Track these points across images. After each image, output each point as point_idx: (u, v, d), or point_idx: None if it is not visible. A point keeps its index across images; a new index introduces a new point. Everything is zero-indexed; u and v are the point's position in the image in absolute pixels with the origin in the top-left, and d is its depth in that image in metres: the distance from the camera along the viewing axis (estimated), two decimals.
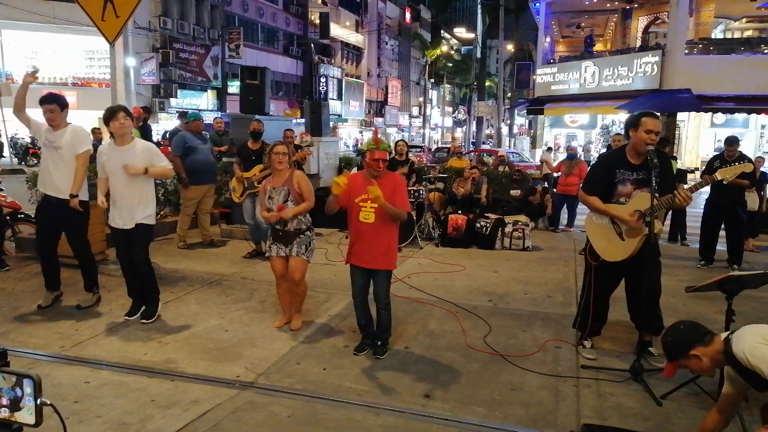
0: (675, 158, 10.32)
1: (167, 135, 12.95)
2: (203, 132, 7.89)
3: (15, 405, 1.59)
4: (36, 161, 20.35)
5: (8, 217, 6.95)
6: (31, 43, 23.09)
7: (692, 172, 11.23)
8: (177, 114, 15.50)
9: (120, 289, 5.67)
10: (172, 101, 25.15)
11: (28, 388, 1.57)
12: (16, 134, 21.88)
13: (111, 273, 6.15)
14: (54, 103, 4.76)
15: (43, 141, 4.88)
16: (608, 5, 22.34)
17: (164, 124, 23.88)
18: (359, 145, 34.38)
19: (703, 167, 8.84)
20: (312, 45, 36.94)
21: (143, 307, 4.90)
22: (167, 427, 3.19)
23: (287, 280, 4.71)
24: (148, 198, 4.79)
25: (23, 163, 19.97)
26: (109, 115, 4.59)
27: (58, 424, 1.79)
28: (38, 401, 1.57)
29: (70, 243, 5.09)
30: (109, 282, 5.80)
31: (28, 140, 21.44)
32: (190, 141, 7.42)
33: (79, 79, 24.04)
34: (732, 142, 6.97)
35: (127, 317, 4.85)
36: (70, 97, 23.24)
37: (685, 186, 4.20)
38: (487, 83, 42.16)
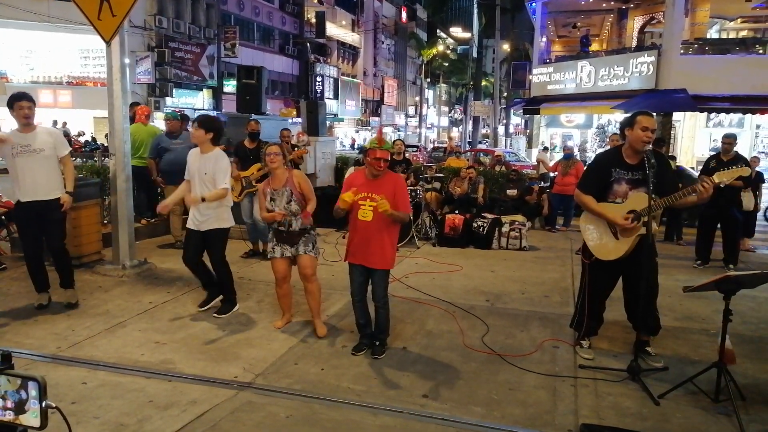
0: (674, 158, 10.36)
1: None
2: (186, 131, 7.84)
3: (20, 408, 1.58)
4: None
5: (3, 217, 6.92)
6: (26, 42, 22.97)
7: None
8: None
9: (116, 290, 5.67)
10: (168, 100, 25.04)
11: (33, 390, 1.56)
12: None
13: (107, 273, 6.13)
14: (32, 102, 4.86)
15: (16, 150, 4.77)
16: (604, 5, 22.37)
17: (160, 123, 23.81)
18: (363, 144, 34.32)
19: (699, 167, 8.86)
20: (308, 44, 36.88)
21: (214, 299, 5.19)
22: (165, 427, 3.18)
23: (287, 282, 4.72)
24: (218, 204, 4.92)
25: None
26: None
27: (58, 425, 1.78)
28: (43, 404, 1.56)
29: (51, 242, 5.05)
30: (106, 282, 5.78)
31: None
32: (163, 142, 7.52)
33: (74, 78, 23.91)
34: (729, 136, 7.00)
35: (199, 307, 5.17)
36: (65, 96, 23.33)
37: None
38: (483, 83, 42.19)
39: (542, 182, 10.95)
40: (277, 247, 4.62)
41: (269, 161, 4.57)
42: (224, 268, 5.08)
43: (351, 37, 43.34)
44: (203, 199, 4.81)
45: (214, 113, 24.03)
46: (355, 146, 38.29)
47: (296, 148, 8.23)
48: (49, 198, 4.89)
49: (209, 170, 4.87)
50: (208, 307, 5.17)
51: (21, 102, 4.78)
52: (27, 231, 5.01)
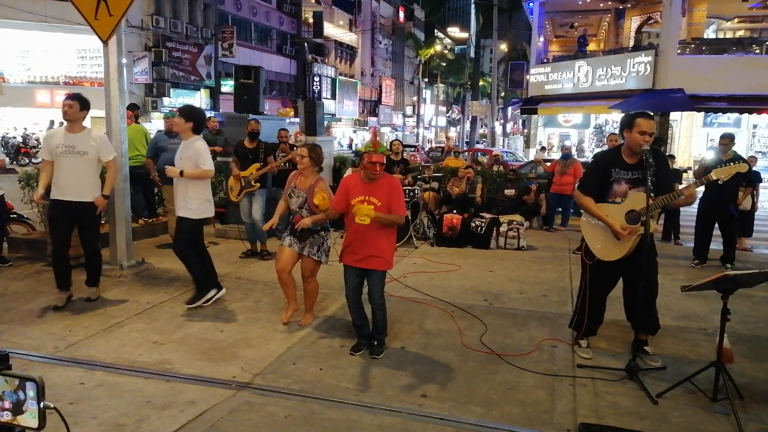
0: (673, 157, 10.38)
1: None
2: None
3: (17, 408, 1.57)
4: (28, 161, 20.21)
5: None
6: (23, 42, 22.90)
7: (686, 171, 11.30)
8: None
9: (114, 290, 5.66)
10: (165, 100, 25.00)
11: (30, 391, 1.55)
12: (7, 134, 21.72)
13: (105, 273, 6.06)
14: (75, 101, 5.03)
15: (61, 149, 4.95)
16: (601, 5, 22.41)
17: (157, 123, 23.75)
18: (357, 147, 34.30)
19: (696, 166, 8.86)
20: (305, 44, 36.84)
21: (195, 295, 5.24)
22: (163, 428, 3.17)
23: (287, 273, 4.77)
24: (190, 193, 5.08)
25: (15, 162, 19.82)
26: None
27: (56, 425, 1.77)
28: (41, 404, 1.55)
29: (87, 241, 5.20)
30: (103, 282, 5.74)
31: (20, 140, 21.30)
32: (161, 141, 7.55)
33: (71, 78, 23.84)
34: (726, 136, 7.02)
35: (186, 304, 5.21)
36: (62, 96, 23.19)
37: (681, 186, 4.22)
38: (481, 83, 42.21)
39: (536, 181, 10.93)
40: (288, 237, 4.70)
41: (298, 162, 4.73)
42: (189, 258, 5.15)
43: (348, 37, 43.31)
44: (181, 173, 5.00)
45: (211, 113, 23.98)
46: (353, 146, 38.25)
47: (295, 148, 8.22)
48: (80, 200, 4.99)
49: (185, 155, 5.05)
50: (196, 305, 5.15)
51: (64, 101, 5.02)
52: (57, 228, 5.11)
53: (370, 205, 3.99)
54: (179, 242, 5.22)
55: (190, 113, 5.15)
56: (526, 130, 32.72)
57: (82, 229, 5.16)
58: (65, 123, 5.14)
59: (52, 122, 20.28)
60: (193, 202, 5.09)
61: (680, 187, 4.02)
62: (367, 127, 44.47)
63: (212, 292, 5.23)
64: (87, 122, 5.40)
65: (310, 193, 4.56)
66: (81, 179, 4.99)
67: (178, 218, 5.21)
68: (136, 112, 8.98)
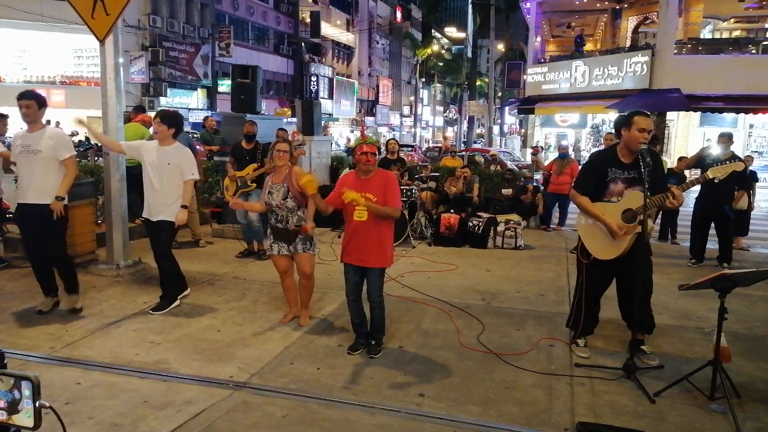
0: (683, 158, 10.37)
1: None
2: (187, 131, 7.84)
3: (13, 407, 1.55)
4: None
5: None
6: (19, 42, 22.83)
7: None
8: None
9: (110, 290, 5.64)
10: (162, 100, 24.95)
11: (26, 390, 1.53)
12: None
13: (101, 273, 6.10)
14: (32, 100, 4.70)
15: (19, 150, 4.74)
16: (598, 5, 22.45)
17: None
18: (349, 144, 34.28)
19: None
20: (303, 44, 36.80)
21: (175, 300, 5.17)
22: (160, 427, 3.16)
23: (290, 276, 4.77)
24: (176, 197, 5.01)
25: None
26: (154, 118, 5.11)
27: (51, 425, 1.76)
28: (37, 404, 1.54)
29: (49, 246, 4.84)
30: (100, 282, 5.74)
31: None
32: None
33: (67, 78, 23.79)
34: (723, 135, 7.03)
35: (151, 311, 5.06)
36: (59, 95, 23.19)
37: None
38: (478, 82, 42.21)
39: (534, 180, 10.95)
40: (274, 244, 4.67)
41: (276, 157, 4.64)
42: (167, 262, 5.08)
43: (346, 37, 43.30)
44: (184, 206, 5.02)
45: (208, 113, 23.95)
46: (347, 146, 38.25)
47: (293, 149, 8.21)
48: (41, 202, 4.71)
49: (173, 160, 4.99)
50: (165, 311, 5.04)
51: (20, 101, 4.69)
52: (25, 234, 4.93)
53: (361, 196, 3.96)
54: (165, 248, 5.04)
55: (173, 119, 5.08)
56: (523, 130, 32.76)
57: (45, 233, 4.79)
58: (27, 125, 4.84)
59: (48, 122, 20.21)
60: (176, 205, 5.00)
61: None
62: (366, 127, 44.45)
63: (177, 302, 5.15)
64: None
65: (289, 180, 4.54)
66: (38, 179, 4.69)
67: (156, 222, 4.98)
68: (140, 113, 8.92)
